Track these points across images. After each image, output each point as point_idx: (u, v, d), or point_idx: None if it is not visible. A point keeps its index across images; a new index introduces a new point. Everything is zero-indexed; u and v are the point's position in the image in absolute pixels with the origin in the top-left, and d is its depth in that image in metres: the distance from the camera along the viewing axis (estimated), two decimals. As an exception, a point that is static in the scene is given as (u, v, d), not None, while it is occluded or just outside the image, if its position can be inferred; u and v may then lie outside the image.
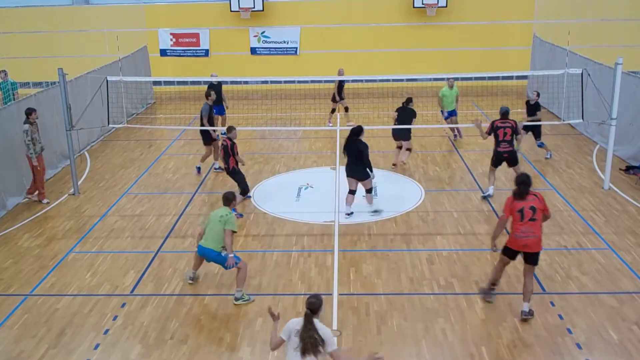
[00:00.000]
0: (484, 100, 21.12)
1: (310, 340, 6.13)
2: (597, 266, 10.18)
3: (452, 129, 17.64)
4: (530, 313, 8.69)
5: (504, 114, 12.89)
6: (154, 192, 14.10)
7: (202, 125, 14.94)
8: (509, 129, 12.68)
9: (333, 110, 19.36)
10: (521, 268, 8.87)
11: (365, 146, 12.07)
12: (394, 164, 15.11)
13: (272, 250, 11.02)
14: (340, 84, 19.05)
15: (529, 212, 8.41)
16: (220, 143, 13.52)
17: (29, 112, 13.22)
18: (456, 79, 17.13)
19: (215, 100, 17.73)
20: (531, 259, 8.61)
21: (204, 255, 9.38)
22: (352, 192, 12.32)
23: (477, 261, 10.41)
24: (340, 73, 18.79)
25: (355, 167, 12.12)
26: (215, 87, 17.79)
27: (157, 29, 25.49)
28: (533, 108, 15.65)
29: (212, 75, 17.96)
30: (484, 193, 13.27)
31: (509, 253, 8.77)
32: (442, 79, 16.42)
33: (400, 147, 15.06)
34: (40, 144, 13.37)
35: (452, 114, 17.27)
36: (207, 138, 15.03)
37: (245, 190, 12.80)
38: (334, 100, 19.15)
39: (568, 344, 8.13)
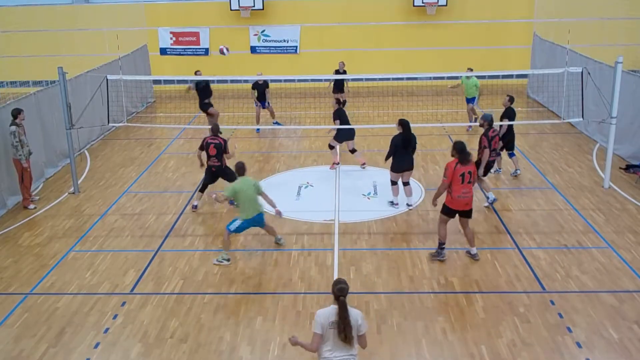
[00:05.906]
0: (484, 99, 21.10)
1: (349, 327, 6.08)
2: (597, 265, 10.17)
3: (469, 118, 18.31)
4: (477, 255, 10.33)
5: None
6: (154, 191, 14.10)
7: None
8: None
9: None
10: (519, 265, 8.85)
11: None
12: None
13: (272, 249, 11.02)
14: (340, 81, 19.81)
15: (468, 176, 9.77)
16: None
17: (17, 112, 12.76)
18: (456, 77, 17.15)
19: (258, 97, 18.43)
20: (469, 214, 10.10)
21: (259, 223, 10.67)
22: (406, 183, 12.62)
23: (477, 260, 10.40)
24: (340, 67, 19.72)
25: (411, 159, 12.39)
26: (259, 87, 18.35)
27: (157, 27, 25.50)
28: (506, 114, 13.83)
29: (258, 74, 18.52)
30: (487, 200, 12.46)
31: (450, 213, 10.02)
32: (442, 78, 16.43)
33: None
34: (27, 147, 12.90)
35: (470, 101, 17.95)
36: None
37: None
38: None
39: (568, 343, 8.13)
